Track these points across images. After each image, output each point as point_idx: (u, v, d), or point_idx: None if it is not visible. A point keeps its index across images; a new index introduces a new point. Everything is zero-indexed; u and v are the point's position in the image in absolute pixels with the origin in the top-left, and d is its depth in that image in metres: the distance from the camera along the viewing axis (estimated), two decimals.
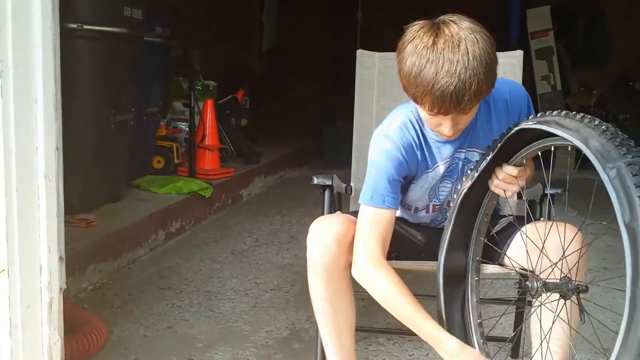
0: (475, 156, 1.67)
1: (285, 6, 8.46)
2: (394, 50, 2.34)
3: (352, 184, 2.23)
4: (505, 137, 1.48)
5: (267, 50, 8.31)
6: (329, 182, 1.96)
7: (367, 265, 1.55)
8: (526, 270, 1.69)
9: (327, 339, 1.70)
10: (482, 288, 2.39)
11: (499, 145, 1.50)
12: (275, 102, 8.07)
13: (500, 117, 1.65)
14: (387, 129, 1.63)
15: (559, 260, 1.47)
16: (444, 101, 1.41)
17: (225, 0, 6.83)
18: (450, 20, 1.46)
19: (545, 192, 1.90)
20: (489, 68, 1.42)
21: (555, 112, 1.34)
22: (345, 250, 1.60)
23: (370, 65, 2.28)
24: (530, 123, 1.37)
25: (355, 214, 1.80)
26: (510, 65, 2.18)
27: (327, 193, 1.97)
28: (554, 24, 7.18)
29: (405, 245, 1.79)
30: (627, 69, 7.22)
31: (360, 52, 2.29)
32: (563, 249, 1.48)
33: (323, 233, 1.60)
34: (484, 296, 2.53)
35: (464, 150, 1.66)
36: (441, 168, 1.67)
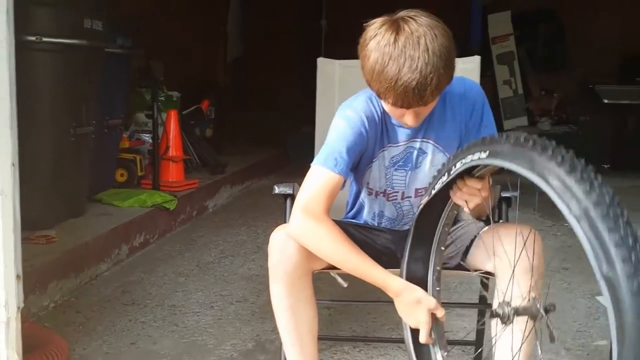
0: (429, 147, 1.72)
1: (249, 15, 8.46)
2: (357, 58, 2.36)
3: None
4: (456, 171, 1.41)
5: (232, 59, 8.29)
6: (290, 191, 1.95)
7: (308, 218, 1.55)
8: (487, 273, 1.71)
9: (290, 347, 1.69)
10: (444, 293, 2.41)
11: (451, 171, 1.45)
12: (241, 111, 8.05)
13: (455, 111, 1.70)
14: (352, 101, 1.70)
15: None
16: (407, 96, 1.46)
17: (188, 11, 6.80)
18: (409, 17, 1.50)
19: (503, 194, 1.91)
20: (448, 62, 1.48)
21: (505, 138, 1.22)
22: (306, 257, 1.60)
23: (330, 73, 2.29)
24: (482, 156, 1.27)
25: None
26: (468, 70, 2.20)
27: (288, 202, 1.97)
28: (514, 29, 7.30)
29: (365, 250, 1.79)
30: (586, 72, 7.36)
31: (321, 60, 2.31)
32: (531, 268, 1.52)
33: (284, 241, 1.60)
34: (447, 300, 2.56)
35: (419, 140, 1.72)
36: (392, 151, 1.72)
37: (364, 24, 1.56)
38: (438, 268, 1.65)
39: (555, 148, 1.10)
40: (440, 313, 1.52)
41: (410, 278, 1.61)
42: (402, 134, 1.71)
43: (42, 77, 3.26)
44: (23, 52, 3.15)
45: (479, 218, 1.77)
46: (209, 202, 4.88)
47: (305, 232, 1.56)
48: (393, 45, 1.45)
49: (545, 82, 7.53)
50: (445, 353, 1.62)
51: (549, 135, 7.05)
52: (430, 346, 1.62)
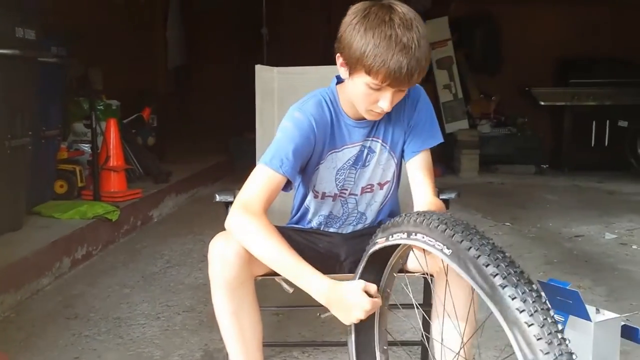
0: (377, 146, 1.76)
1: (190, 23, 8.39)
2: (298, 64, 2.37)
3: None
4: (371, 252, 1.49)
5: (173, 67, 8.21)
6: (231, 199, 1.94)
7: (244, 214, 1.55)
8: (426, 273, 1.74)
9: (235, 354, 1.68)
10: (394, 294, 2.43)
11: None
12: (184, 119, 7.98)
13: (399, 110, 1.74)
14: (302, 103, 1.72)
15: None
16: (400, 74, 1.48)
17: (127, 18, 6.70)
18: (394, 3, 1.55)
19: (440, 197, 1.94)
20: (429, 50, 1.54)
21: (460, 237, 1.21)
22: (247, 263, 1.59)
23: (269, 80, 2.30)
24: (446, 252, 1.25)
25: None
26: None
27: (230, 209, 1.95)
28: (452, 34, 7.46)
29: (308, 254, 1.80)
30: (522, 75, 7.58)
31: (259, 67, 2.31)
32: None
33: (224, 248, 1.59)
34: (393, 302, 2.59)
35: (370, 139, 1.75)
36: (348, 152, 1.75)
37: (350, 5, 1.58)
38: (388, 290, 1.65)
39: (520, 282, 1.11)
40: (373, 289, 1.44)
41: None
42: (355, 135, 1.74)
43: None
44: None
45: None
46: (154, 211, 4.80)
47: (240, 227, 1.56)
48: (388, 24, 1.49)
49: (483, 85, 7.71)
50: (384, 328, 1.66)
51: (489, 137, 7.24)
52: (376, 349, 1.63)
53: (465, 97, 7.52)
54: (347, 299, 1.42)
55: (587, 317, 1.72)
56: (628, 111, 6.91)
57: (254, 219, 1.55)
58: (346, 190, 1.81)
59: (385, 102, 1.57)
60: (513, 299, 1.08)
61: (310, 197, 1.83)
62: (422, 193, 1.75)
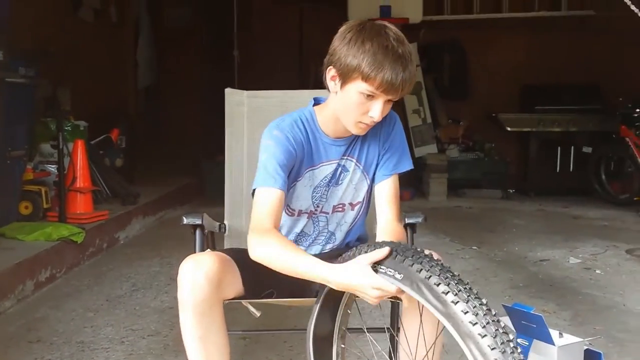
0: (351, 165, 1.82)
1: (160, 43, 8.38)
2: (271, 88, 2.39)
3: (226, 221, 2.22)
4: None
5: (143, 88, 8.17)
6: (198, 222, 1.93)
7: (264, 240, 1.58)
8: (397, 298, 1.75)
9: None
10: (359, 317, 2.44)
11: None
12: (153, 140, 7.92)
13: (376, 132, 1.80)
14: (279, 122, 1.77)
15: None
16: (395, 81, 1.56)
17: (96, 38, 6.67)
18: (383, 22, 1.65)
19: (407, 220, 1.96)
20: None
21: (411, 261, 1.28)
22: (217, 287, 1.59)
23: (238, 103, 2.31)
24: (397, 278, 1.31)
25: (228, 251, 1.79)
26: None
27: (197, 233, 1.95)
28: (421, 60, 7.57)
29: (282, 279, 1.80)
30: (489, 101, 7.71)
31: (228, 91, 2.32)
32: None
33: (193, 271, 1.58)
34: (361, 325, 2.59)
35: (345, 158, 1.81)
36: (325, 169, 1.79)
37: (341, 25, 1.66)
38: (344, 328, 1.69)
39: (470, 297, 1.17)
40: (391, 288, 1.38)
41: (319, 332, 1.64)
42: (332, 152, 1.79)
43: None
44: None
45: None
46: (120, 233, 4.74)
47: (260, 253, 1.58)
48: (384, 37, 1.57)
49: (452, 110, 7.82)
50: (343, 346, 1.68)
51: (457, 161, 7.33)
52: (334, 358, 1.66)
53: (434, 122, 7.61)
54: (355, 284, 1.41)
55: (550, 341, 1.74)
56: (592, 137, 7.07)
57: (268, 237, 1.59)
58: (319, 207, 1.84)
59: (376, 111, 1.62)
60: (465, 313, 1.14)
61: (284, 215, 1.84)
62: (386, 219, 1.80)
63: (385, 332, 2.19)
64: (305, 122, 1.78)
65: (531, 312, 1.78)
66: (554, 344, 1.73)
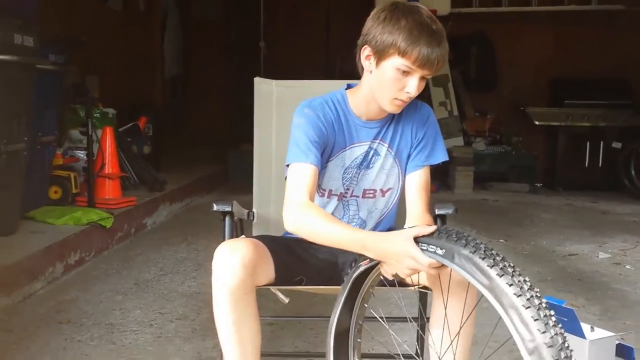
0: (383, 150, 1.82)
1: (187, 33, 8.42)
2: (296, 78, 2.39)
3: (254, 209, 2.23)
4: None
5: (169, 77, 8.22)
6: (228, 209, 1.93)
7: (293, 211, 1.61)
8: (426, 288, 1.75)
9: None
10: (386, 307, 2.44)
11: None
12: (180, 129, 7.98)
13: (409, 122, 1.83)
14: (310, 101, 1.79)
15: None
16: (430, 56, 1.59)
17: (125, 27, 6.72)
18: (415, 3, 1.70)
19: (437, 212, 1.95)
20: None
21: (455, 237, 1.30)
22: (251, 273, 1.59)
23: (267, 92, 2.29)
24: (439, 253, 1.33)
25: (261, 238, 1.80)
26: None
27: (227, 219, 1.95)
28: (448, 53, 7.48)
29: (307, 267, 1.80)
30: (518, 94, 7.63)
31: (257, 80, 2.31)
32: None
33: (229, 256, 1.58)
34: (389, 314, 2.59)
35: (377, 141, 1.81)
36: (356, 150, 1.81)
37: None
38: (360, 322, 1.68)
39: (515, 274, 1.20)
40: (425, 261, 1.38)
41: (339, 326, 1.63)
42: (363, 134, 1.80)
43: None
44: None
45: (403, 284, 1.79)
46: (147, 219, 4.79)
47: (297, 224, 1.60)
48: (417, 14, 1.62)
49: (479, 103, 7.75)
50: (359, 340, 1.68)
51: (484, 154, 7.28)
52: (349, 353, 1.66)
53: (461, 115, 7.55)
54: (393, 249, 1.41)
55: (581, 335, 1.72)
56: (622, 133, 6.97)
57: (304, 209, 1.60)
58: (349, 190, 1.84)
59: (412, 86, 1.64)
60: (510, 285, 1.17)
61: (315, 196, 1.83)
62: (416, 209, 1.80)
63: (410, 322, 2.19)
64: (336, 102, 1.80)
65: (562, 305, 1.76)
66: (585, 338, 1.71)
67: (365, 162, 1.82)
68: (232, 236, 1.96)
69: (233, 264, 1.57)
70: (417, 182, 1.84)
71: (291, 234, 1.92)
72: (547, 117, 7.35)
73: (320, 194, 1.85)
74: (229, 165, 7.06)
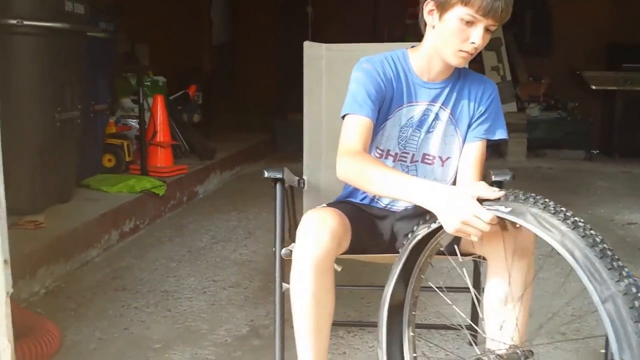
0: (444, 115, 1.78)
1: (234, 1, 8.38)
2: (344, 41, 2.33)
3: (304, 176, 2.20)
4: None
5: (217, 45, 8.22)
6: (280, 175, 1.92)
7: (346, 158, 1.59)
8: (478, 256, 1.70)
9: (305, 335, 1.62)
10: (438, 277, 2.40)
11: None
12: (228, 97, 7.99)
13: (473, 92, 1.79)
14: (370, 57, 1.77)
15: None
16: (492, 5, 1.56)
17: None
18: None
19: (494, 178, 1.90)
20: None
21: (523, 197, 1.28)
22: (338, 244, 1.58)
23: (317, 56, 2.25)
24: (502, 210, 1.29)
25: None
26: None
27: (278, 186, 1.93)
28: None
29: (372, 236, 1.78)
30: (573, 58, 7.38)
31: (307, 44, 2.27)
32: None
33: (318, 227, 1.55)
34: (442, 284, 2.55)
35: (438, 105, 1.77)
36: (413, 109, 1.77)
37: None
38: (416, 294, 1.65)
39: (587, 228, 1.20)
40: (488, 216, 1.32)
41: (393, 298, 1.60)
42: (422, 94, 1.76)
43: (24, 61, 3.19)
44: (4, 36, 3.12)
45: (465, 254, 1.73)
46: (199, 187, 4.83)
47: (347, 171, 1.58)
48: None
49: (533, 68, 7.52)
50: (412, 334, 1.65)
51: (538, 120, 7.08)
52: (403, 326, 1.64)
53: (514, 80, 7.35)
54: (456, 201, 1.34)
55: None
56: None
57: (358, 156, 1.58)
58: (407, 153, 1.80)
59: (477, 36, 1.61)
60: (582, 237, 1.17)
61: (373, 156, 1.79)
62: (470, 178, 1.77)
63: (466, 292, 2.16)
64: (396, 60, 1.77)
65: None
66: None
67: (424, 125, 1.78)
68: (283, 203, 1.95)
69: (321, 234, 1.54)
70: (473, 153, 1.80)
71: (346, 197, 1.90)
72: (604, 82, 7.10)
73: (378, 154, 1.80)
74: (277, 134, 7.06)
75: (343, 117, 1.69)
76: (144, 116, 4.45)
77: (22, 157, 3.13)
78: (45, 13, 3.20)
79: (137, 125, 4.59)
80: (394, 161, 1.80)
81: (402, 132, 1.78)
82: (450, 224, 1.35)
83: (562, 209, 1.24)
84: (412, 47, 1.80)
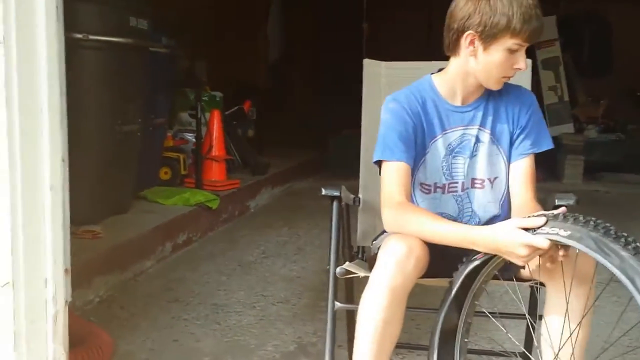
0: (485, 137, 1.75)
1: (290, 18, 8.48)
2: (399, 60, 2.33)
3: (360, 195, 2.20)
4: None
5: (273, 61, 8.32)
6: (337, 193, 1.93)
7: (390, 209, 1.60)
8: (535, 282, 1.67)
9: (365, 359, 1.57)
10: (491, 302, 2.36)
11: None
12: (282, 113, 8.07)
13: (510, 108, 1.76)
14: (395, 95, 1.76)
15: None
16: (538, 30, 1.59)
17: (231, 13, 6.84)
18: None
19: (557, 202, 1.85)
20: None
21: (583, 220, 1.27)
22: (419, 274, 1.55)
23: (376, 74, 2.25)
24: (562, 235, 1.29)
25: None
26: (518, 73, 2.16)
27: (335, 204, 1.94)
28: (560, 34, 7.16)
29: (445, 261, 1.75)
30: (633, 79, 7.19)
31: (367, 62, 2.27)
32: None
33: (405, 254, 1.51)
34: (492, 309, 2.51)
35: (476, 128, 1.74)
36: (450, 136, 1.74)
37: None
38: (469, 321, 1.62)
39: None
40: (543, 243, 1.35)
41: (445, 324, 1.58)
42: (457, 119, 1.74)
43: (89, 75, 3.30)
44: (71, 50, 3.21)
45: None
46: (251, 202, 4.89)
47: (394, 222, 1.59)
48: None
49: (591, 88, 7.36)
50: (466, 340, 1.63)
51: (595, 142, 6.91)
52: (455, 353, 1.61)
53: (572, 100, 7.20)
54: (502, 239, 1.40)
55: None
56: None
57: (401, 207, 1.59)
58: (457, 182, 1.76)
59: (523, 62, 1.62)
60: None
61: (418, 196, 1.77)
62: (522, 199, 1.72)
63: (520, 318, 2.11)
64: (422, 90, 1.75)
65: None
66: None
67: (469, 151, 1.74)
68: (339, 221, 1.95)
69: (407, 264, 1.51)
70: (522, 171, 1.75)
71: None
72: None
73: (425, 191, 1.77)
74: (328, 150, 7.07)
75: (376, 162, 1.70)
76: (200, 130, 4.54)
77: (83, 168, 3.21)
78: (110, 28, 3.31)
79: (194, 139, 4.68)
80: (443, 193, 1.76)
81: (444, 162, 1.74)
82: (519, 260, 1.40)
83: (624, 234, 1.21)
84: (439, 70, 1.78)
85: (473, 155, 1.75)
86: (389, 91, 2.24)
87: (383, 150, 1.66)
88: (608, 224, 1.25)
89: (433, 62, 2.33)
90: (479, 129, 1.74)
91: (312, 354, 2.34)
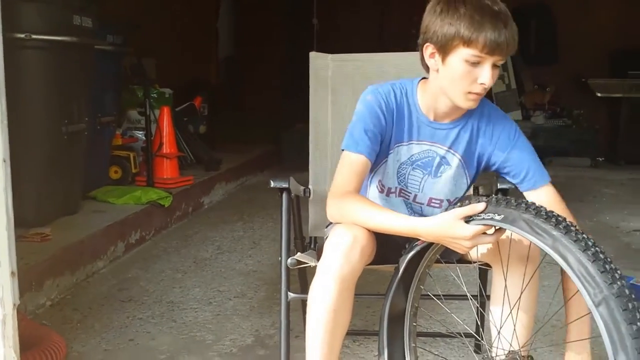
0: (454, 161, 1.72)
1: (240, 13, 8.43)
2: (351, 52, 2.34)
3: (310, 186, 2.22)
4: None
5: (223, 57, 8.26)
6: (285, 185, 1.95)
7: (336, 198, 1.60)
8: (488, 265, 1.71)
9: (317, 347, 1.59)
10: (444, 285, 2.41)
11: None
12: (234, 108, 8.02)
13: (488, 136, 1.72)
14: (376, 87, 1.72)
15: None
16: (498, 39, 1.50)
17: (179, 9, 6.77)
18: None
19: (499, 186, 1.91)
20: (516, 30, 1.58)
21: (515, 203, 1.32)
22: (365, 262, 1.59)
23: (323, 67, 2.27)
24: (496, 219, 1.34)
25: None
26: None
27: (284, 196, 1.96)
28: None
29: (394, 250, 1.77)
30: (578, 66, 7.38)
31: (313, 54, 2.28)
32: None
33: (350, 243, 1.53)
34: (447, 292, 2.56)
35: (445, 149, 1.71)
36: (414, 148, 1.72)
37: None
38: (416, 305, 1.66)
39: (579, 232, 1.22)
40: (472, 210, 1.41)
41: (392, 309, 1.61)
42: (427, 134, 1.71)
43: (32, 75, 3.21)
44: (12, 50, 3.14)
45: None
46: (204, 198, 4.86)
47: (338, 210, 1.59)
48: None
49: (538, 76, 7.53)
50: (414, 345, 1.67)
51: (543, 128, 7.08)
52: (405, 337, 1.65)
53: (519, 88, 7.36)
54: (444, 235, 1.44)
55: None
56: None
57: (347, 197, 1.59)
58: (410, 193, 1.76)
59: (485, 76, 1.54)
60: (574, 241, 1.19)
61: (375, 192, 1.78)
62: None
63: (470, 300, 2.16)
64: (404, 93, 1.71)
65: (631, 282, 1.71)
66: None
67: (430, 168, 1.72)
68: (289, 212, 1.98)
69: (353, 253, 1.53)
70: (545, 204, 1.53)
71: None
72: (609, 89, 7.11)
73: (380, 190, 1.78)
74: (282, 145, 7.07)
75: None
76: (150, 128, 4.48)
77: (29, 169, 3.15)
78: (53, 27, 3.24)
79: (144, 137, 4.63)
80: (396, 196, 1.78)
81: (400, 168, 1.74)
82: (461, 251, 1.46)
83: (554, 214, 1.26)
84: (425, 77, 1.73)
85: (437, 176, 1.73)
86: (335, 83, 2.26)
87: (348, 141, 1.66)
88: (539, 206, 1.28)
89: (379, 53, 2.36)
90: (448, 151, 1.71)
91: (270, 346, 2.35)
